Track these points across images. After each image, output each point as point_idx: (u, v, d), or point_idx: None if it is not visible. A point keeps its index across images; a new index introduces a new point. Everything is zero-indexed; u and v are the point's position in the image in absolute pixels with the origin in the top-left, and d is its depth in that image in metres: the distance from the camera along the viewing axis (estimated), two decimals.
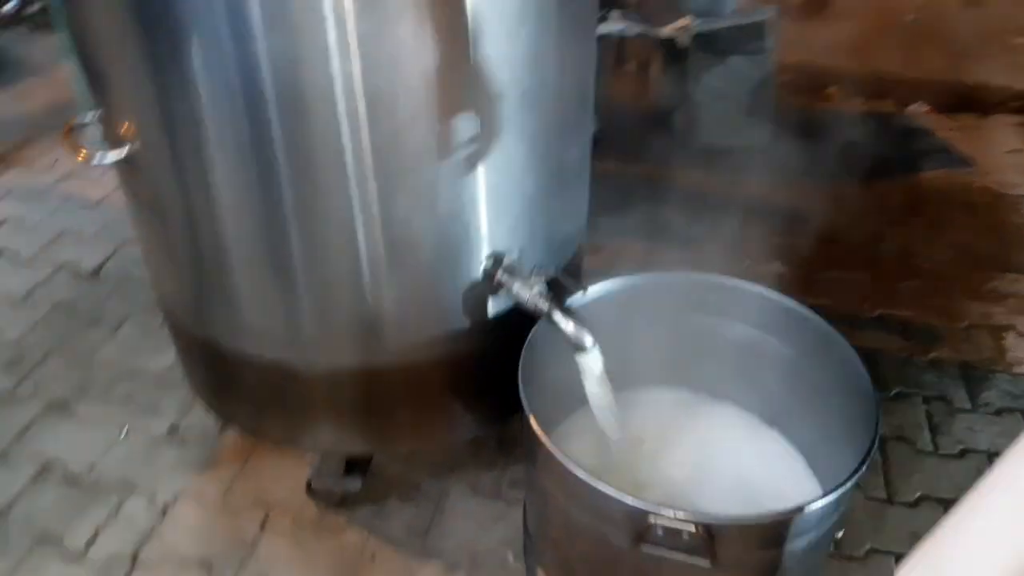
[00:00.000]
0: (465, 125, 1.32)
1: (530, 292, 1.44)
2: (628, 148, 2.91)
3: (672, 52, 2.97)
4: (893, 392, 2.09)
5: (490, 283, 1.48)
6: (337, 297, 1.46)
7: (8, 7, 4.65)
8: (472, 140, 1.34)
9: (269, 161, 1.29)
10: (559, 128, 1.51)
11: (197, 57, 1.22)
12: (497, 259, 1.47)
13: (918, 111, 3.44)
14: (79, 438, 2.11)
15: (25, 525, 1.90)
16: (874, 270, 2.53)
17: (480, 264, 1.47)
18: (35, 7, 4.56)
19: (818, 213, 2.74)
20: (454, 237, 1.43)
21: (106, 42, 1.33)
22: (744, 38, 2.92)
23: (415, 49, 1.22)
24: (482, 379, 1.62)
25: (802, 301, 1.54)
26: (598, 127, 3.07)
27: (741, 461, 1.65)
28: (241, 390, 1.70)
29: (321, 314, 1.48)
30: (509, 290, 1.45)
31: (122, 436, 2.11)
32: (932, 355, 2.20)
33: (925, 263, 2.56)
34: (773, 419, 1.70)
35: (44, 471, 2.03)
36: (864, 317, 2.32)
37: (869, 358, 2.18)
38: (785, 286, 1.60)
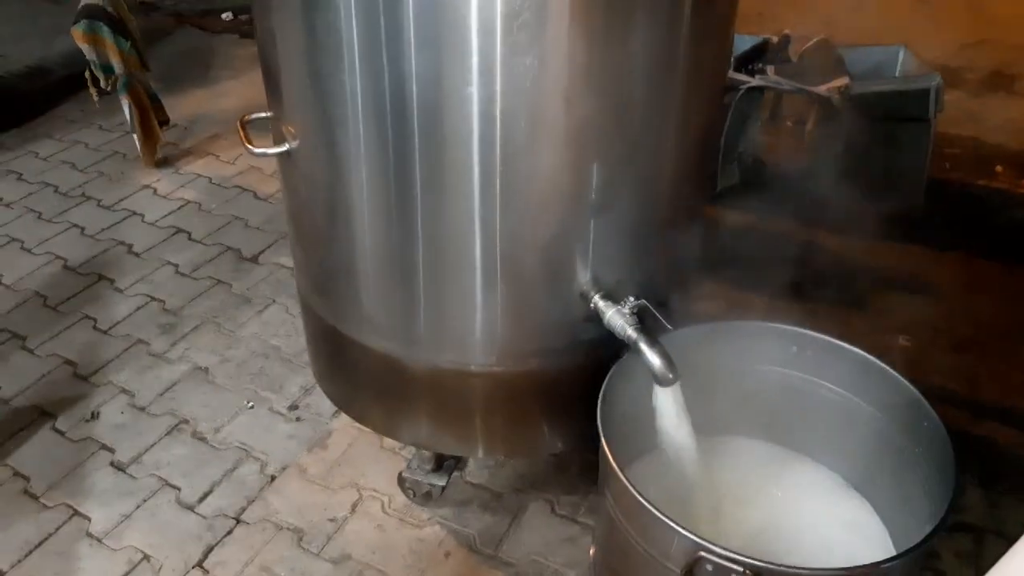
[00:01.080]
0: (586, 163, 1.43)
1: (622, 320, 1.49)
2: (771, 202, 2.90)
3: (829, 112, 2.94)
4: (1003, 486, 1.97)
5: (587, 306, 1.54)
6: (448, 300, 1.57)
7: (226, 15, 5.20)
8: (589, 175, 1.44)
9: (405, 171, 1.43)
10: (674, 176, 1.58)
11: (351, 76, 1.39)
12: (597, 284, 1.54)
13: None
14: (212, 402, 2.32)
15: (152, 471, 2.12)
16: (1010, 359, 2.39)
17: (581, 287, 1.54)
18: (246, 17, 5.06)
19: (958, 291, 2.62)
20: (560, 259, 1.52)
21: (281, 57, 1.53)
22: (906, 104, 2.84)
23: (549, 83, 1.33)
24: (572, 399, 1.67)
25: (912, 378, 1.49)
26: (741, 179, 3.08)
27: (820, 522, 1.62)
28: (354, 378, 1.83)
29: (432, 314, 1.59)
30: (603, 315, 1.51)
31: (248, 406, 2.31)
32: None
33: None
34: (860, 484, 1.66)
35: (177, 427, 2.25)
36: (988, 405, 2.20)
37: (985, 449, 2.10)
38: (908, 361, 1.56)
